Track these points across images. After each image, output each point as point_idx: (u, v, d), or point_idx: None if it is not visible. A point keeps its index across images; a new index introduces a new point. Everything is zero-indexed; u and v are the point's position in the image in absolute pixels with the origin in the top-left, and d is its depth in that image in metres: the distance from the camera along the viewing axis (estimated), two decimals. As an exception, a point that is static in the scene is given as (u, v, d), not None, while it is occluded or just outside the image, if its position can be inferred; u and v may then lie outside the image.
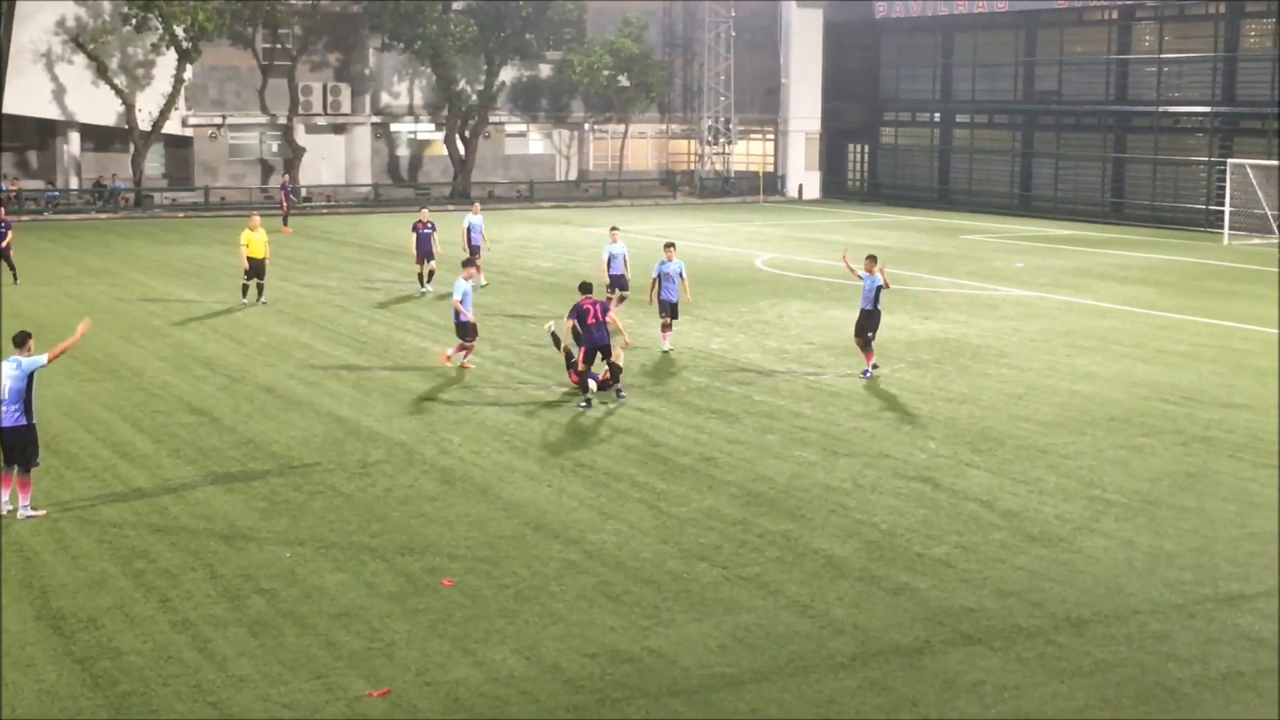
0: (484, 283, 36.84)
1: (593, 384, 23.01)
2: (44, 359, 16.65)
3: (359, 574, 14.77)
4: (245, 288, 33.62)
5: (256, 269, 33.33)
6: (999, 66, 66.33)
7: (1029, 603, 14.07)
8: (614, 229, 31.92)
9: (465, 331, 25.51)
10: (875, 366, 25.35)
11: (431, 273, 35.94)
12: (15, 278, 36.56)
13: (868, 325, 25.26)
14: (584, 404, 22.76)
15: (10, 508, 16.60)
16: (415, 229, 36.10)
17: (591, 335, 22.73)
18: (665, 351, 27.43)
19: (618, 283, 30.48)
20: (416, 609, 13.76)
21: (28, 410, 16.47)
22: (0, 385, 16.49)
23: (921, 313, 33.02)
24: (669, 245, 28.17)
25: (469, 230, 37.58)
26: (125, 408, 22.49)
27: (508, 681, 12.13)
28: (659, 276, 27.43)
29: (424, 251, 35.71)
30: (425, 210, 37.60)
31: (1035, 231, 55.38)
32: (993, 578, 14.81)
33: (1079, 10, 62.27)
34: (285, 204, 54.61)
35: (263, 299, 33.37)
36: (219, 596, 14.09)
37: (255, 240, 33.18)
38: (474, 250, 37.02)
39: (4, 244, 36.64)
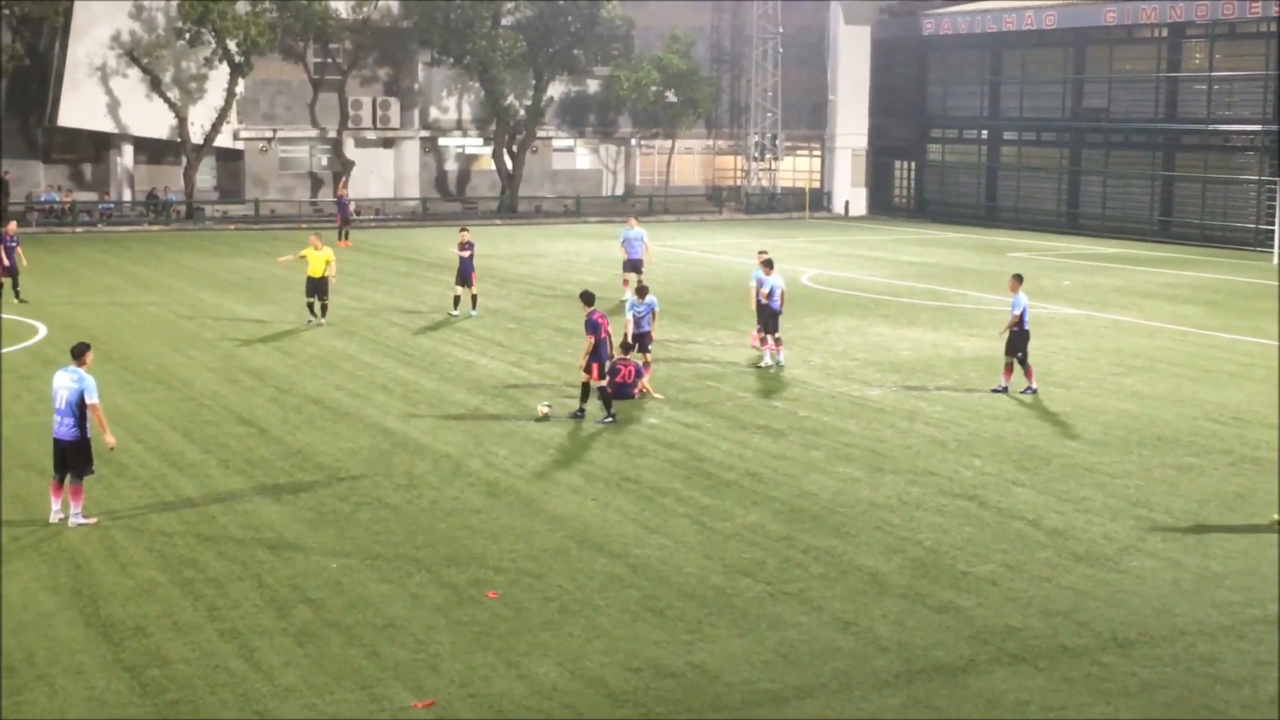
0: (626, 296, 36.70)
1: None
2: (96, 398, 16.66)
3: (404, 585, 14.86)
4: (310, 306, 32.65)
5: (316, 287, 32.46)
6: (1047, 84, 66.00)
7: (1075, 622, 14.01)
8: (762, 253, 29.63)
9: (627, 348, 24.93)
10: (1033, 389, 25.38)
11: (474, 296, 34.40)
12: (16, 295, 35.69)
13: (1018, 344, 25.34)
14: (610, 419, 22.83)
15: (62, 515, 16.79)
16: (459, 249, 34.34)
17: (600, 352, 22.84)
18: (768, 366, 27.72)
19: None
20: (461, 621, 13.83)
21: (81, 424, 16.61)
22: (56, 396, 16.68)
23: (968, 330, 32.91)
24: (762, 252, 29.10)
25: (625, 243, 36.99)
26: (175, 418, 22.70)
27: (551, 695, 12.18)
28: (757, 282, 28.30)
29: (464, 272, 34.14)
30: (465, 230, 35.63)
31: (1083, 249, 55.10)
32: (1038, 597, 14.75)
33: (1129, 27, 61.90)
34: (341, 217, 54.50)
35: (324, 318, 32.57)
36: (266, 606, 14.20)
37: (316, 258, 32.33)
38: (633, 265, 36.72)
39: (7, 262, 35.37)
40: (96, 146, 63.68)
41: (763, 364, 27.66)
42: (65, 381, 16.63)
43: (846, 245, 55.54)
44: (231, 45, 60.07)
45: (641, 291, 25.94)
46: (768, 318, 27.71)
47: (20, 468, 19.36)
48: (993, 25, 67.28)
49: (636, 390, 24.50)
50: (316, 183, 67.48)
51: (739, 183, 74.59)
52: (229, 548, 16.06)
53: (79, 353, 16.90)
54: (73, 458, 16.66)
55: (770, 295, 27.57)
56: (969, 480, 19.42)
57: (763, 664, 12.89)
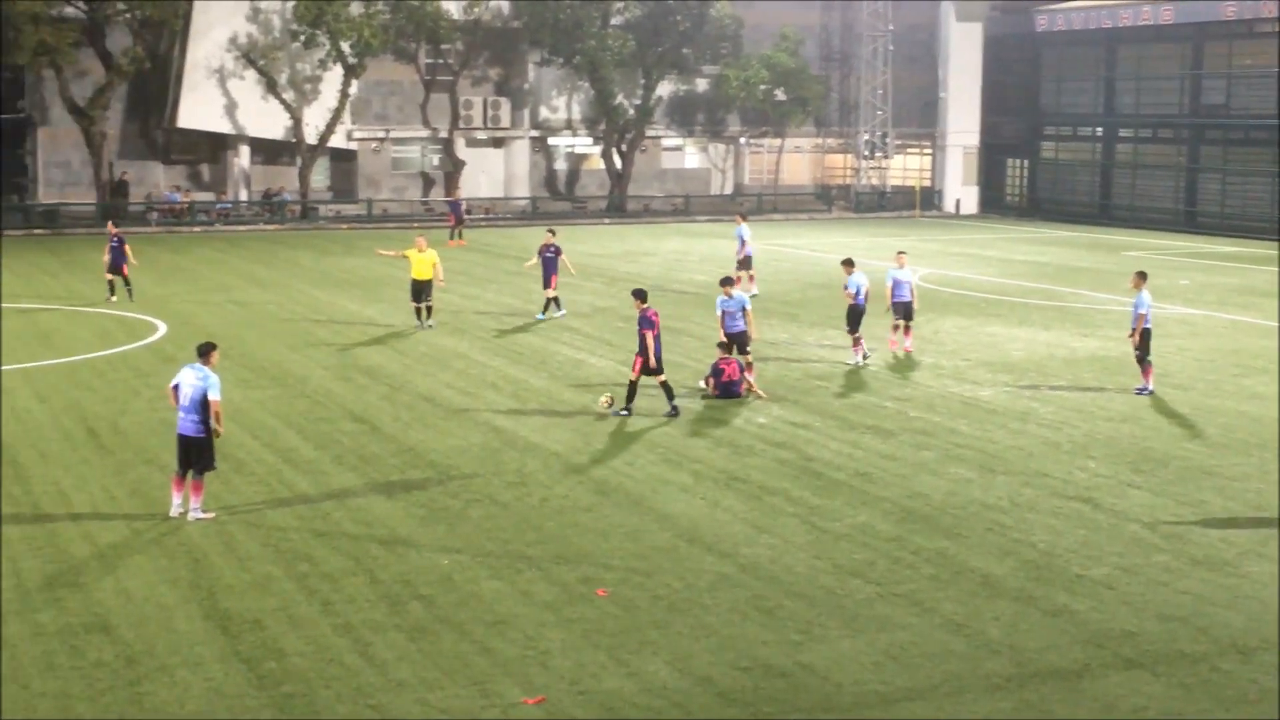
0: (755, 292, 37.15)
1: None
2: (219, 395, 16.92)
3: (515, 582, 14.97)
4: (417, 311, 32.13)
5: (420, 291, 31.99)
6: (1164, 79, 64.89)
7: (1193, 627, 13.77)
8: (901, 253, 29.84)
9: (726, 346, 24.94)
10: (1149, 389, 25.13)
11: (554, 298, 33.85)
12: (130, 294, 36.14)
13: (1147, 343, 25.16)
14: (625, 412, 22.97)
15: (182, 510, 17.12)
16: (540, 252, 34.06)
17: (651, 347, 22.89)
18: (906, 352, 28.48)
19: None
20: (571, 618, 13.90)
21: (205, 421, 16.88)
22: (181, 393, 17.00)
23: (1081, 330, 32.48)
24: (901, 253, 29.66)
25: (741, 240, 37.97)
26: (290, 415, 23.05)
27: (660, 693, 12.21)
28: (892, 283, 28.78)
29: (545, 274, 33.72)
30: (550, 232, 35.08)
31: (1201, 248, 54.10)
32: (1155, 601, 14.52)
33: (1249, 22, 60.64)
34: (455, 217, 55.11)
35: (430, 322, 32.13)
36: (379, 601, 14.37)
37: (421, 261, 31.81)
38: (747, 260, 37.62)
39: (110, 259, 35.98)
40: (214, 147, 64.82)
41: (856, 361, 27.58)
42: (191, 379, 16.95)
43: (957, 244, 55.02)
44: (345, 46, 60.86)
45: (726, 283, 25.65)
46: (855, 317, 27.59)
47: (141, 463, 19.79)
48: (1108, 21, 66.27)
49: (743, 388, 24.49)
50: (428, 182, 68.18)
51: (848, 181, 74.17)
52: (343, 543, 16.28)
53: (205, 351, 17.22)
54: (196, 454, 16.98)
55: (857, 295, 27.49)
56: (1083, 482, 19.16)
57: (872, 665, 12.82)
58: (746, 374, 24.81)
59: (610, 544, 16.32)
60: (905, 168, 75.20)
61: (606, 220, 65.29)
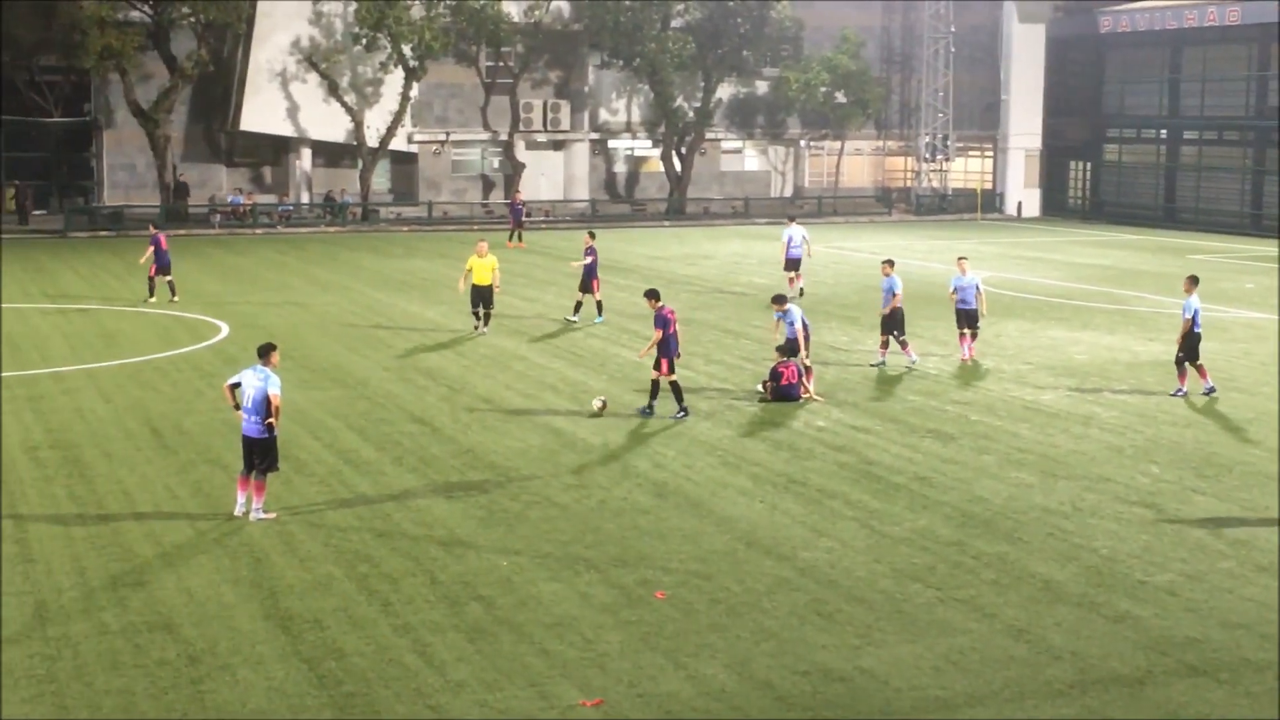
0: (801, 286, 37.84)
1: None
2: (278, 391, 17.03)
3: (573, 584, 14.99)
4: (475, 314, 31.82)
5: (481, 296, 31.56)
6: (1230, 81, 64.17)
7: (1258, 635, 13.60)
8: (962, 259, 29.60)
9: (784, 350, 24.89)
10: (1190, 391, 25.04)
11: (582, 304, 33.73)
12: (163, 295, 36.32)
13: (1193, 347, 25.03)
14: (681, 414, 23.02)
15: (245, 510, 17.26)
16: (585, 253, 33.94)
17: (670, 346, 22.94)
18: (964, 360, 28.38)
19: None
20: (629, 621, 13.91)
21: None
22: (245, 394, 17.14)
23: (1145, 334, 32.16)
24: (961, 259, 29.63)
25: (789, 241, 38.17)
26: (351, 416, 23.18)
27: (719, 696, 12.19)
28: (955, 290, 28.70)
29: (585, 278, 33.50)
30: (590, 235, 35.15)
31: (1267, 251, 53.40)
32: (1219, 608, 14.35)
33: (1317, 22, 59.89)
34: (514, 220, 55.36)
35: (487, 327, 31.75)
36: (438, 602, 14.43)
37: (481, 266, 31.38)
38: (789, 262, 37.99)
39: (143, 260, 36.20)
40: (276, 150, 65.34)
41: (912, 362, 27.65)
42: (253, 380, 17.10)
43: (1019, 247, 54.64)
44: (406, 50, 61.17)
45: (779, 300, 25.54)
46: (898, 320, 27.59)
47: (204, 463, 19.96)
48: (1173, 22, 65.60)
49: (801, 392, 24.43)
50: (488, 185, 68.41)
51: (909, 184, 73.81)
52: (402, 544, 16.36)
53: (265, 352, 17.37)
54: (260, 454, 17.12)
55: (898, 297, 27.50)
56: (1146, 487, 18.97)
57: (932, 670, 12.75)
58: (805, 379, 24.76)
59: (669, 546, 16.31)
60: (966, 170, 74.73)
61: (666, 223, 65.29)
